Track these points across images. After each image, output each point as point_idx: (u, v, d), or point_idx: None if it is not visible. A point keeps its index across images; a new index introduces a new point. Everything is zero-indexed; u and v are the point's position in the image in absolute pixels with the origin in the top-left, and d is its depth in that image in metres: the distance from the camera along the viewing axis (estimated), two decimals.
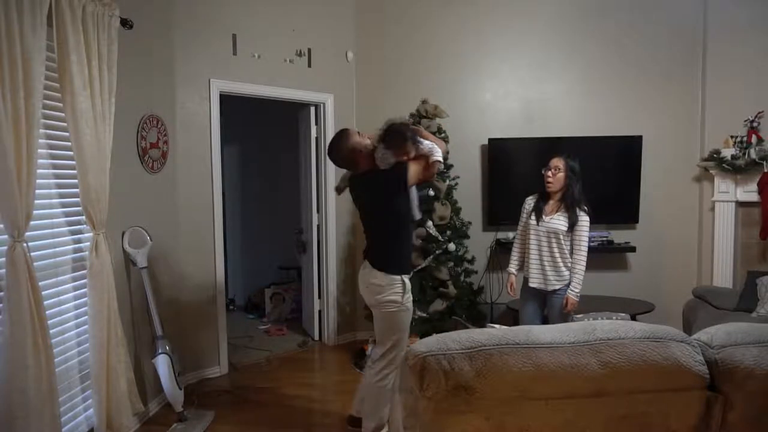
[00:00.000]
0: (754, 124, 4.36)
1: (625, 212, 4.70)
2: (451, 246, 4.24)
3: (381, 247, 2.88)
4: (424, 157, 2.80)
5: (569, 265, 3.27)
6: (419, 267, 4.24)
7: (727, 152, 4.39)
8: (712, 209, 4.62)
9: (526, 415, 1.48)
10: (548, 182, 3.26)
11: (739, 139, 4.39)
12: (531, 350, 1.49)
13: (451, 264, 4.29)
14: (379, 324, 2.90)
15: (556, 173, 3.24)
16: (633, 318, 3.66)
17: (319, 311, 4.94)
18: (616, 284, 4.72)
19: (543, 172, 3.29)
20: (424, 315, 4.22)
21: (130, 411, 3.08)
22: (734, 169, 4.34)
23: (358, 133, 2.90)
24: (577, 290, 3.24)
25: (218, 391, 3.84)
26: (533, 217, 3.33)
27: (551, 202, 3.31)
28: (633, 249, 4.65)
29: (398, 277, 2.81)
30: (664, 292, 4.68)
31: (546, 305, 3.41)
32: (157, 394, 3.49)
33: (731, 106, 4.48)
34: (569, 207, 3.23)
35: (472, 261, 4.42)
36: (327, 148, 3.03)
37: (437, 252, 4.22)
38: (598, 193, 4.66)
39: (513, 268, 3.52)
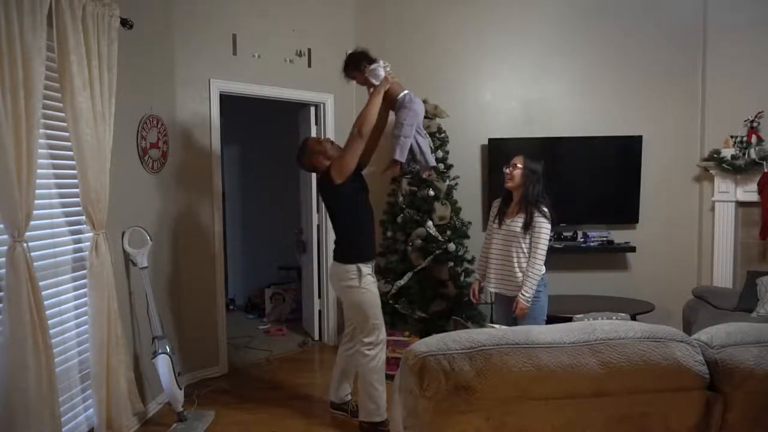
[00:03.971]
0: (754, 124, 4.36)
1: (625, 212, 4.70)
2: (451, 246, 4.24)
3: (337, 240, 3.21)
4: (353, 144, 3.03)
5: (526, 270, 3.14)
6: (419, 267, 4.24)
7: (727, 152, 4.39)
8: (712, 209, 4.62)
9: (526, 415, 1.48)
10: (506, 179, 3.20)
11: (739, 139, 4.39)
12: (531, 350, 1.49)
13: (451, 264, 4.29)
14: (349, 311, 3.29)
15: (514, 170, 3.16)
16: (633, 318, 3.65)
17: (319, 311, 4.94)
18: (616, 284, 4.72)
19: (504, 169, 3.23)
20: (424, 315, 4.22)
21: (130, 411, 3.08)
22: (734, 169, 4.34)
23: (319, 140, 3.29)
24: (528, 294, 3.07)
25: (218, 391, 3.84)
26: (496, 221, 3.27)
27: (512, 204, 3.23)
28: (633, 249, 4.65)
29: (353, 265, 3.10)
30: (664, 292, 4.67)
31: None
32: (157, 394, 3.49)
33: (731, 106, 4.47)
34: (525, 208, 3.13)
35: (472, 261, 4.41)
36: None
37: (437, 252, 4.22)
38: (598, 193, 4.69)
39: (477, 273, 3.45)
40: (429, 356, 1.47)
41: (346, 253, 3.15)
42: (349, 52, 3.21)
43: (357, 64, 3.12)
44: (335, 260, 3.19)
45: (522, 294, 3.09)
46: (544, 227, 3.09)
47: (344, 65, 3.18)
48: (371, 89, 3.13)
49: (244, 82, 4.18)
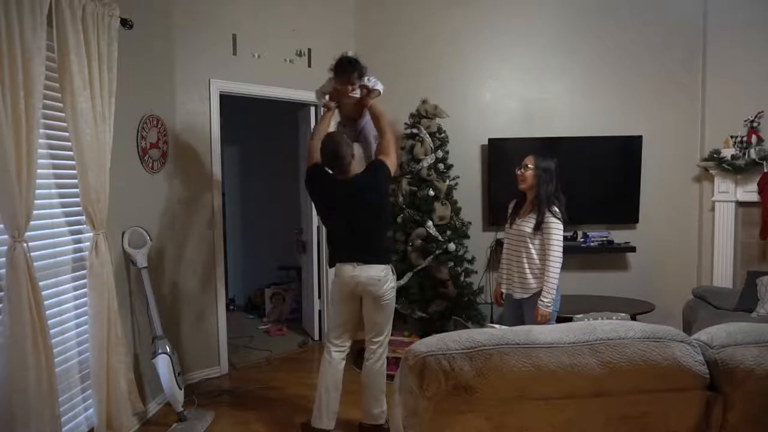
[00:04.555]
0: (754, 124, 4.36)
1: (625, 212, 4.70)
2: (451, 246, 4.24)
3: (377, 242, 3.03)
4: (391, 140, 3.05)
5: (536, 273, 3.05)
6: (419, 267, 4.24)
7: (727, 152, 4.39)
8: (712, 209, 4.62)
9: (526, 415, 1.48)
10: (518, 180, 3.14)
11: (739, 139, 4.39)
12: (531, 350, 1.49)
13: (451, 264, 4.29)
14: (381, 315, 3.05)
15: (525, 171, 3.10)
16: (633, 318, 3.65)
17: (319, 311, 4.94)
18: (616, 284, 4.72)
19: (515, 170, 3.18)
20: (424, 315, 4.22)
21: (130, 411, 3.08)
22: (734, 169, 4.34)
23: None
24: (547, 300, 2.97)
25: (218, 391, 3.84)
26: (509, 221, 3.23)
27: (525, 204, 3.17)
28: (633, 249, 4.65)
29: (391, 265, 3.07)
30: (664, 292, 4.68)
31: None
32: (157, 394, 3.49)
33: (731, 106, 4.47)
34: (536, 208, 3.06)
35: (472, 261, 4.42)
36: (328, 152, 2.96)
37: (437, 252, 4.22)
38: (598, 193, 4.69)
39: (499, 276, 3.37)
40: (429, 356, 1.47)
41: (387, 253, 3.09)
42: (349, 56, 3.14)
43: (361, 73, 3.09)
44: (378, 263, 2.97)
45: (541, 300, 2.98)
46: (555, 228, 2.98)
47: (352, 70, 3.05)
48: (371, 98, 3.12)
49: (244, 82, 4.17)
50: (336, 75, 3.09)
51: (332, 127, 3.42)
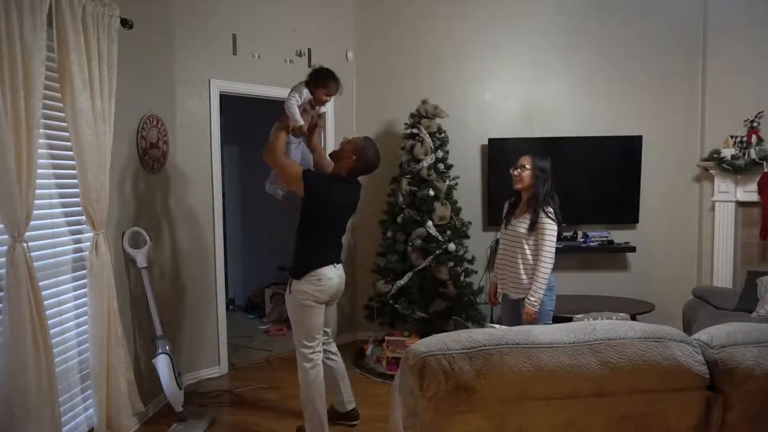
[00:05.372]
0: (754, 124, 4.36)
1: (625, 212, 4.70)
2: (451, 246, 4.24)
3: (340, 246, 3.21)
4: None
5: (531, 273, 3.04)
6: (419, 267, 4.24)
7: (727, 152, 4.39)
8: (712, 209, 4.62)
9: (526, 415, 1.48)
10: (514, 181, 3.13)
11: (739, 139, 4.39)
12: (531, 350, 1.49)
13: (451, 264, 4.29)
14: (335, 310, 3.27)
15: (522, 171, 3.09)
16: (633, 318, 3.65)
17: None
18: (616, 284, 4.72)
19: (511, 171, 3.17)
20: (424, 315, 4.22)
21: (130, 411, 3.08)
22: (734, 169, 4.35)
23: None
24: (533, 299, 2.97)
25: (218, 391, 3.84)
26: (504, 221, 3.23)
27: (521, 204, 3.16)
28: (633, 249, 4.65)
29: None
30: (664, 292, 4.68)
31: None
32: (157, 394, 3.49)
33: (731, 106, 4.48)
34: (532, 208, 3.05)
35: (472, 261, 4.42)
36: (375, 158, 2.99)
37: (437, 252, 4.22)
38: (598, 193, 4.69)
39: (495, 275, 3.37)
40: (429, 356, 1.47)
41: None
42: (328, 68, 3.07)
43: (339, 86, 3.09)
44: (341, 263, 3.14)
45: (528, 299, 2.99)
46: (548, 228, 2.99)
47: (336, 80, 3.03)
48: (317, 113, 3.13)
49: (244, 82, 4.18)
50: (324, 83, 2.99)
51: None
